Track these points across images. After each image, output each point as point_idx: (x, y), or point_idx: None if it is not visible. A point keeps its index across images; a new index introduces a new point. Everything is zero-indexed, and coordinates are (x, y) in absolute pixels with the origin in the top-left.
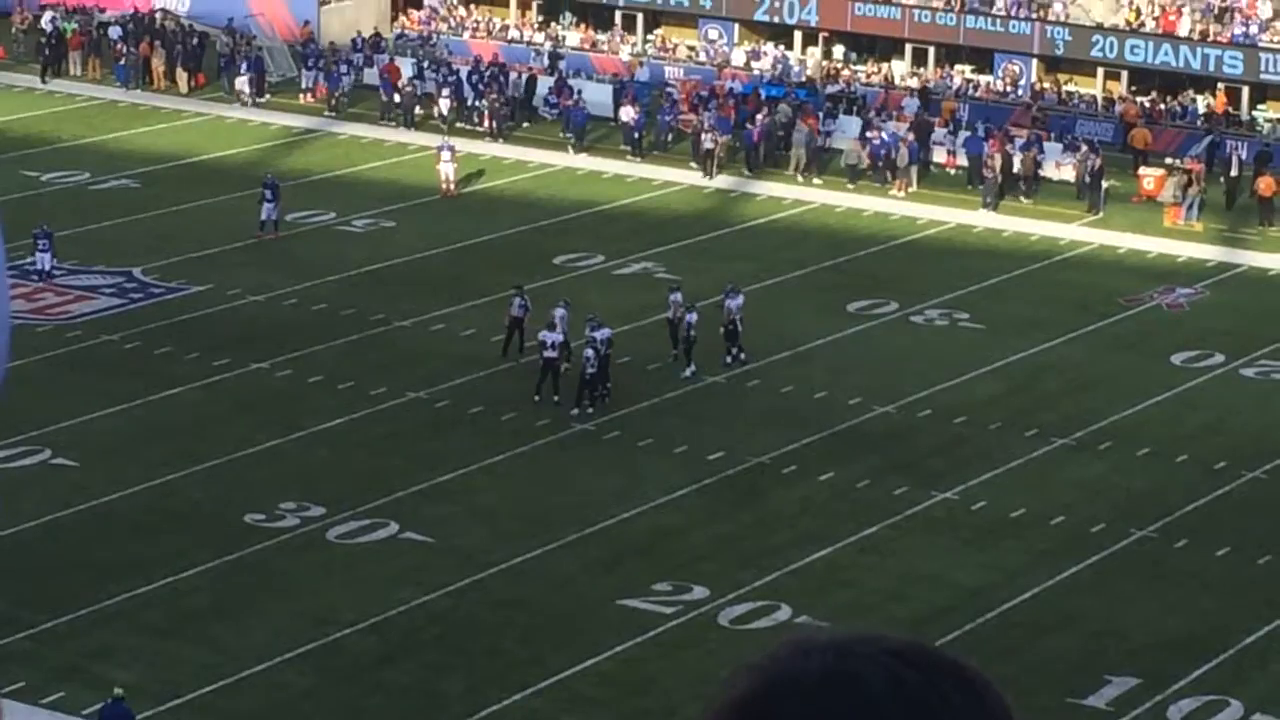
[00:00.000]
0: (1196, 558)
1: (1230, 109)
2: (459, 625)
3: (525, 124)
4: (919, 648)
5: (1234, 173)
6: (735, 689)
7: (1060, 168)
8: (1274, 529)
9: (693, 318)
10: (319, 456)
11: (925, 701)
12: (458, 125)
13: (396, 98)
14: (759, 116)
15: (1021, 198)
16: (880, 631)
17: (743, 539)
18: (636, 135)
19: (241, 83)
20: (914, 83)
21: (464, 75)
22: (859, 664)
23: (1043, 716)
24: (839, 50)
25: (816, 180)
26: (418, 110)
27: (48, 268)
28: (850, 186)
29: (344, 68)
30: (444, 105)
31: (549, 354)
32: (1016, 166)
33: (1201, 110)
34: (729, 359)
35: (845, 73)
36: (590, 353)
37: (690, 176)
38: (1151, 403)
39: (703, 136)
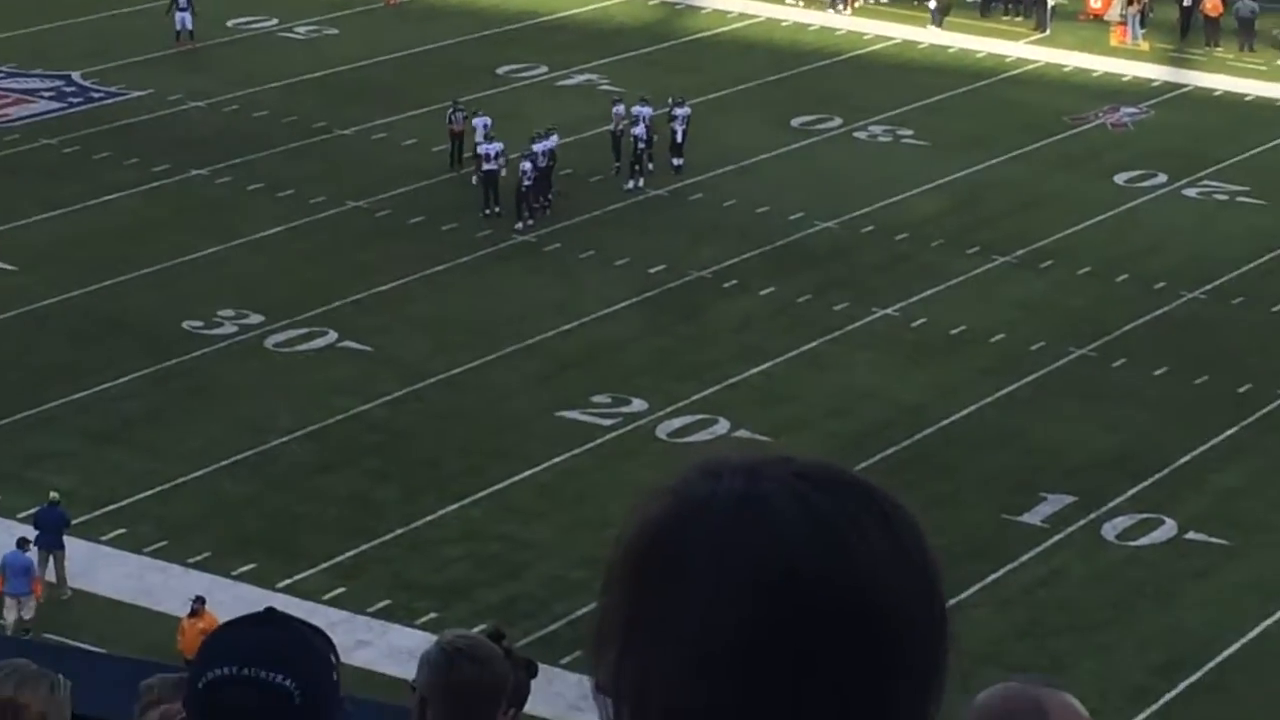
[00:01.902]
0: (1134, 377)
1: None
2: (397, 435)
3: None
4: (829, 469)
5: (1187, 2)
6: (645, 512)
7: None
8: (1212, 349)
9: (640, 130)
10: (258, 264)
11: (833, 523)
12: None
13: None
14: None
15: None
16: (790, 453)
17: (682, 352)
18: None
19: None
20: None
21: None
22: (768, 486)
23: (979, 533)
24: None
25: None
26: None
27: None
28: (798, 2)
29: None
30: None
31: (489, 166)
32: None
33: None
34: (660, 168)
35: None
36: (527, 165)
37: None
38: (1093, 222)
39: None
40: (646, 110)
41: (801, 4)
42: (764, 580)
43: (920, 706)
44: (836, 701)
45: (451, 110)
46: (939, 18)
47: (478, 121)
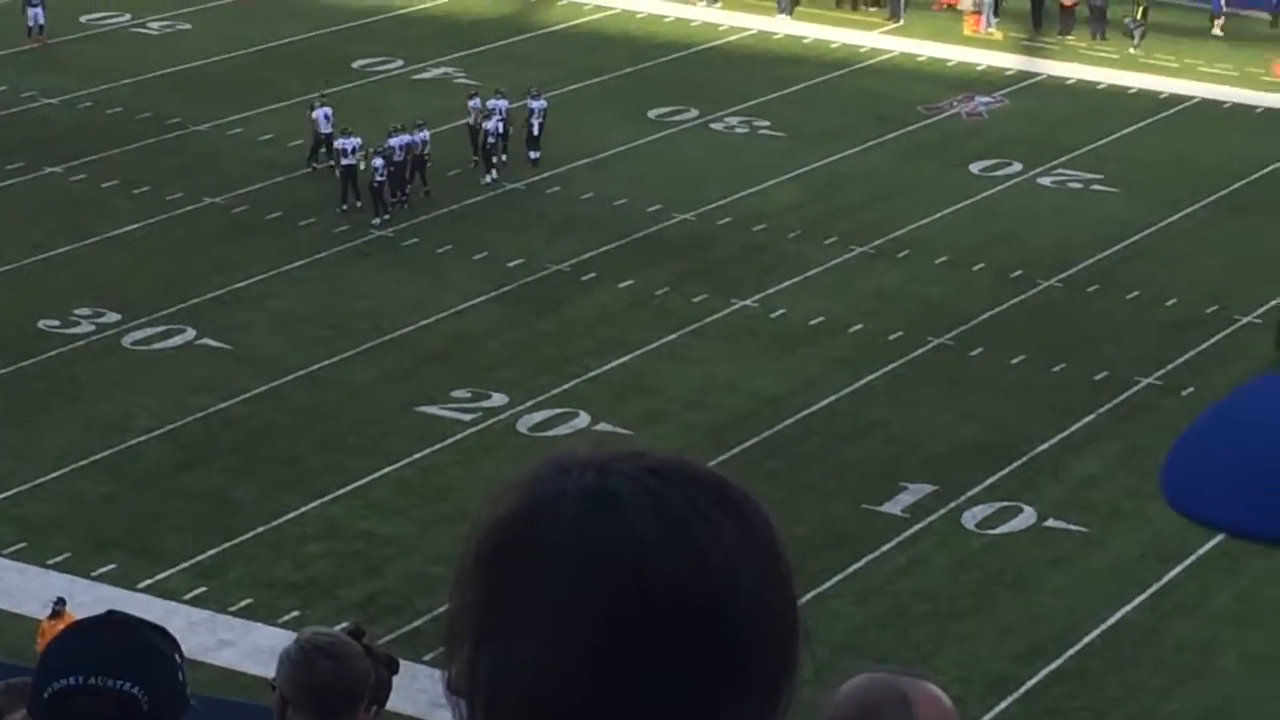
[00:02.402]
0: (992, 366)
1: None
2: (256, 432)
3: None
4: (680, 463)
5: None
6: (497, 508)
7: None
8: (1068, 337)
9: (493, 124)
10: (114, 262)
11: (684, 517)
12: None
13: None
14: None
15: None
16: (640, 449)
17: (542, 346)
18: None
19: None
20: None
21: None
22: (619, 482)
23: (839, 524)
24: None
25: None
26: None
27: None
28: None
29: None
30: None
31: (347, 161)
32: None
33: None
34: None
35: None
36: (379, 161)
37: None
38: (950, 211)
39: None
40: (503, 103)
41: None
42: (614, 574)
43: (773, 696)
44: (688, 692)
45: (317, 103)
46: (788, 5)
47: (318, 113)
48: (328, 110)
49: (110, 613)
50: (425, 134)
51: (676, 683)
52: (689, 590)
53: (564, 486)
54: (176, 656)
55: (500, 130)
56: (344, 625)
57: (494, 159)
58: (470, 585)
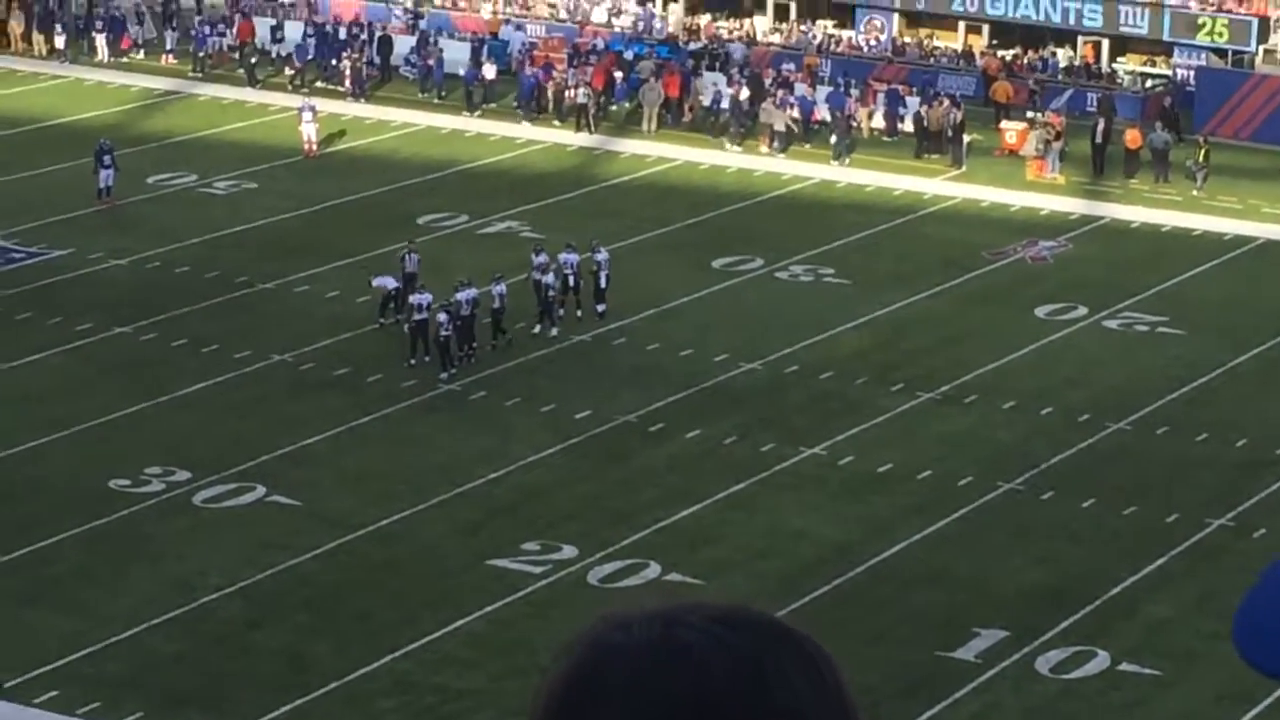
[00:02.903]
0: (1062, 509)
1: (1090, 62)
2: (327, 589)
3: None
4: (743, 610)
5: (1099, 139)
6: (560, 666)
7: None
8: (1138, 480)
9: (550, 279)
10: (184, 421)
11: (757, 666)
12: (318, 85)
13: (253, 59)
14: (617, 74)
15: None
16: (700, 600)
17: (610, 497)
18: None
19: (100, 41)
20: (776, 38)
21: (307, 33)
22: (687, 633)
23: (912, 670)
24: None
25: (736, 147)
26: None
27: None
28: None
29: (207, 28)
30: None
31: (419, 316)
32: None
33: (1063, 64)
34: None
35: (707, 28)
36: (444, 316)
37: (553, 134)
38: (1016, 356)
39: (575, 92)
40: (573, 257)
41: (739, 149)
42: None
43: None
44: None
45: (406, 251)
46: (845, 154)
47: (411, 259)
48: (418, 257)
49: None
50: (502, 287)
51: None
52: None
53: (626, 639)
54: None
55: (574, 284)
56: None
57: (548, 313)
58: None
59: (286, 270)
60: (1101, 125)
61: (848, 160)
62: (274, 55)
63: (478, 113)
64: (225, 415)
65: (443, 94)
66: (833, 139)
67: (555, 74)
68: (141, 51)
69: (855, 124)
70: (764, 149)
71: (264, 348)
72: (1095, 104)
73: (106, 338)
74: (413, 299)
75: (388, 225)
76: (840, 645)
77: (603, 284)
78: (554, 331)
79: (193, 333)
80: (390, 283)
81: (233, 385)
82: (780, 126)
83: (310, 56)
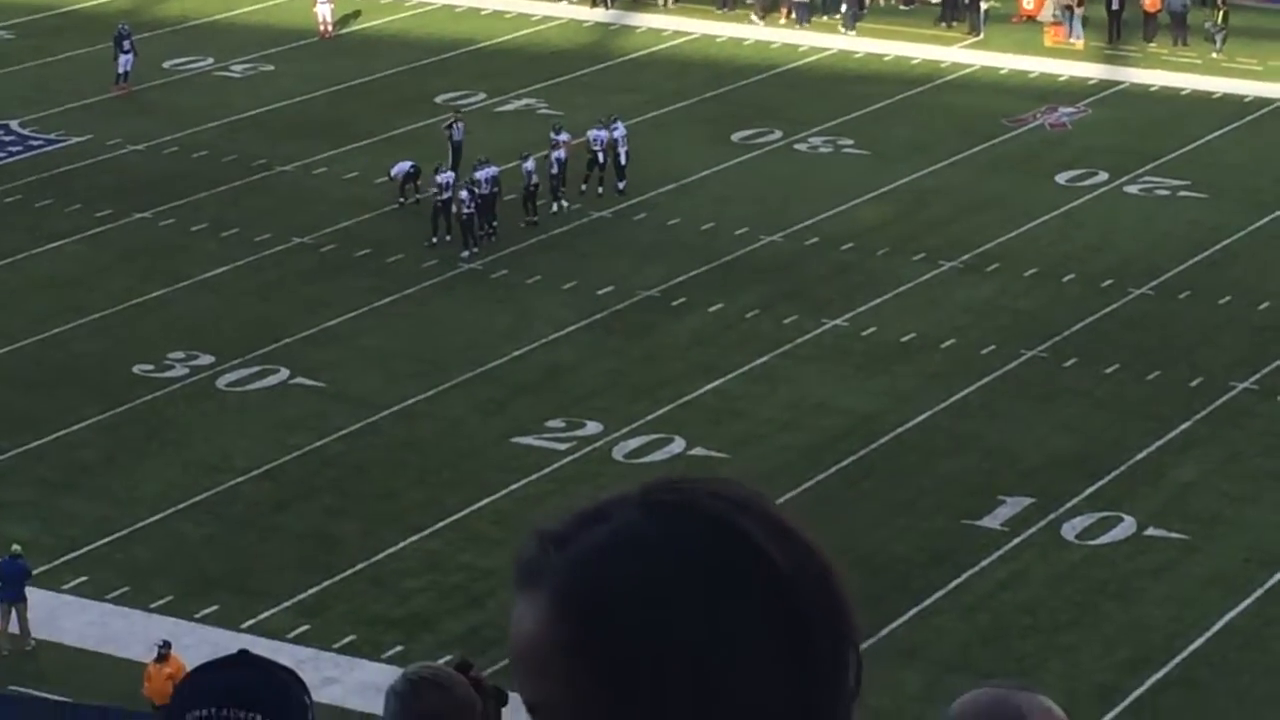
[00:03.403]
0: (1086, 376)
1: None
2: (353, 469)
3: None
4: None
5: (1114, 4)
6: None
7: None
8: (1162, 345)
9: (560, 154)
10: (206, 305)
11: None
12: None
13: None
14: None
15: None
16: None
17: (634, 373)
18: None
19: None
20: None
21: None
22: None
23: (939, 540)
24: None
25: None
26: None
27: None
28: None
29: None
30: None
31: (444, 195)
32: None
33: None
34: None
35: None
36: (465, 194)
37: (569, 10)
38: (1037, 223)
39: None
40: (602, 134)
41: (761, 21)
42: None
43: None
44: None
45: (453, 120)
46: (852, 22)
47: (457, 127)
48: (464, 125)
49: (241, 651)
50: (531, 163)
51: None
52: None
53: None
54: (306, 698)
55: (601, 161)
56: (450, 659)
57: (562, 189)
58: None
59: (305, 152)
60: None
61: (854, 29)
62: None
63: None
64: (247, 299)
65: None
66: (842, 7)
67: None
68: None
69: None
70: (784, 20)
71: (284, 230)
72: None
73: (126, 224)
74: (437, 177)
75: (405, 105)
76: (867, 515)
77: (622, 160)
78: (556, 208)
79: (212, 217)
80: (406, 166)
81: (253, 268)
82: None
83: None
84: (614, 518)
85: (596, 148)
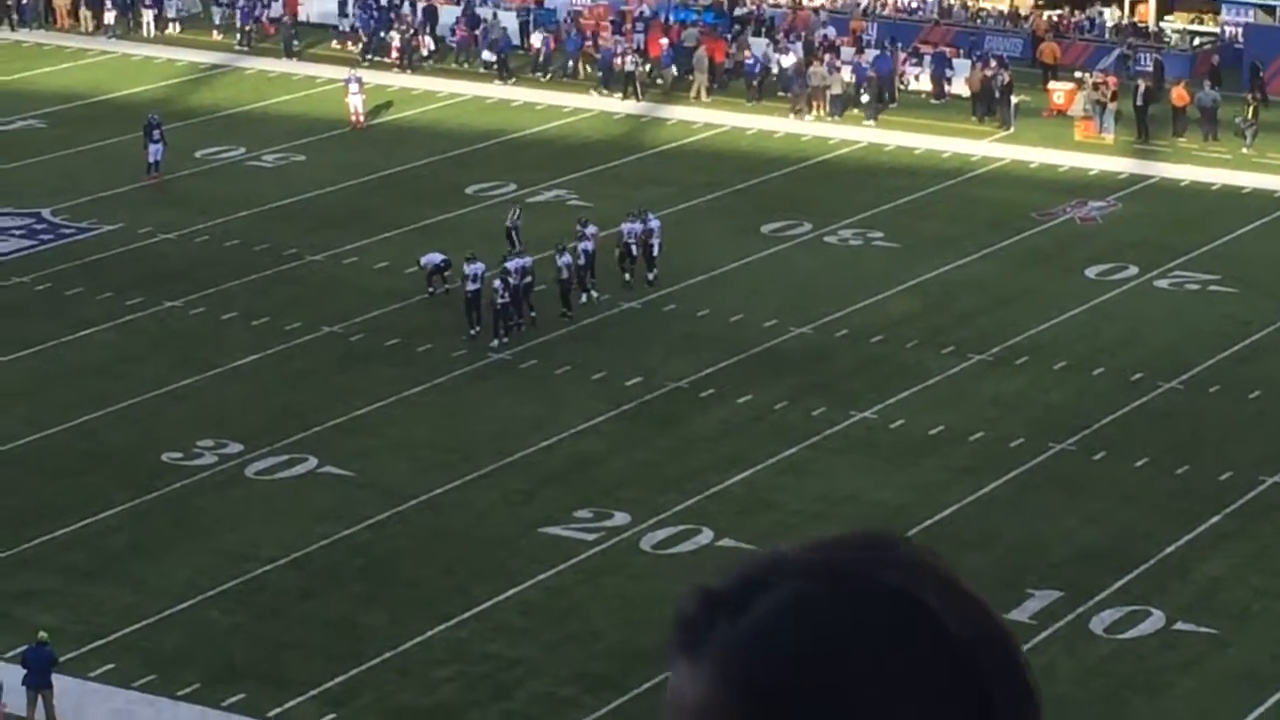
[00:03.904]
0: (1115, 469)
1: (1136, 21)
2: (381, 558)
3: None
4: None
5: (1139, 101)
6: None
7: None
8: (1191, 439)
9: (588, 245)
10: (235, 393)
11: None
12: (366, 58)
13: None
14: (664, 40)
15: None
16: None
17: (662, 464)
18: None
19: (146, 17)
20: (821, 0)
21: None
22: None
23: None
24: None
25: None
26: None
27: None
28: (835, 119)
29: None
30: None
31: (472, 286)
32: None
33: (1110, 23)
34: (644, 279)
35: None
36: (499, 283)
37: (600, 102)
38: (1067, 316)
39: (624, 60)
40: (636, 226)
41: (810, 117)
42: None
43: None
44: None
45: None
46: (873, 114)
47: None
48: (520, 211)
49: None
50: (567, 257)
51: None
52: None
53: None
54: None
55: (634, 254)
56: None
57: (593, 279)
58: None
59: (335, 242)
60: (1142, 86)
61: (875, 120)
62: (331, 28)
63: (511, 80)
64: (276, 387)
65: (498, 64)
66: (864, 98)
67: (600, 40)
68: (178, 26)
69: (903, 86)
70: (815, 114)
71: (314, 319)
72: (1126, 63)
73: (156, 312)
74: (466, 269)
75: (435, 195)
76: None
77: (654, 251)
78: (585, 299)
79: (242, 305)
80: (437, 258)
81: (283, 357)
82: (838, 90)
83: (358, 26)
84: (784, 585)
85: (630, 240)
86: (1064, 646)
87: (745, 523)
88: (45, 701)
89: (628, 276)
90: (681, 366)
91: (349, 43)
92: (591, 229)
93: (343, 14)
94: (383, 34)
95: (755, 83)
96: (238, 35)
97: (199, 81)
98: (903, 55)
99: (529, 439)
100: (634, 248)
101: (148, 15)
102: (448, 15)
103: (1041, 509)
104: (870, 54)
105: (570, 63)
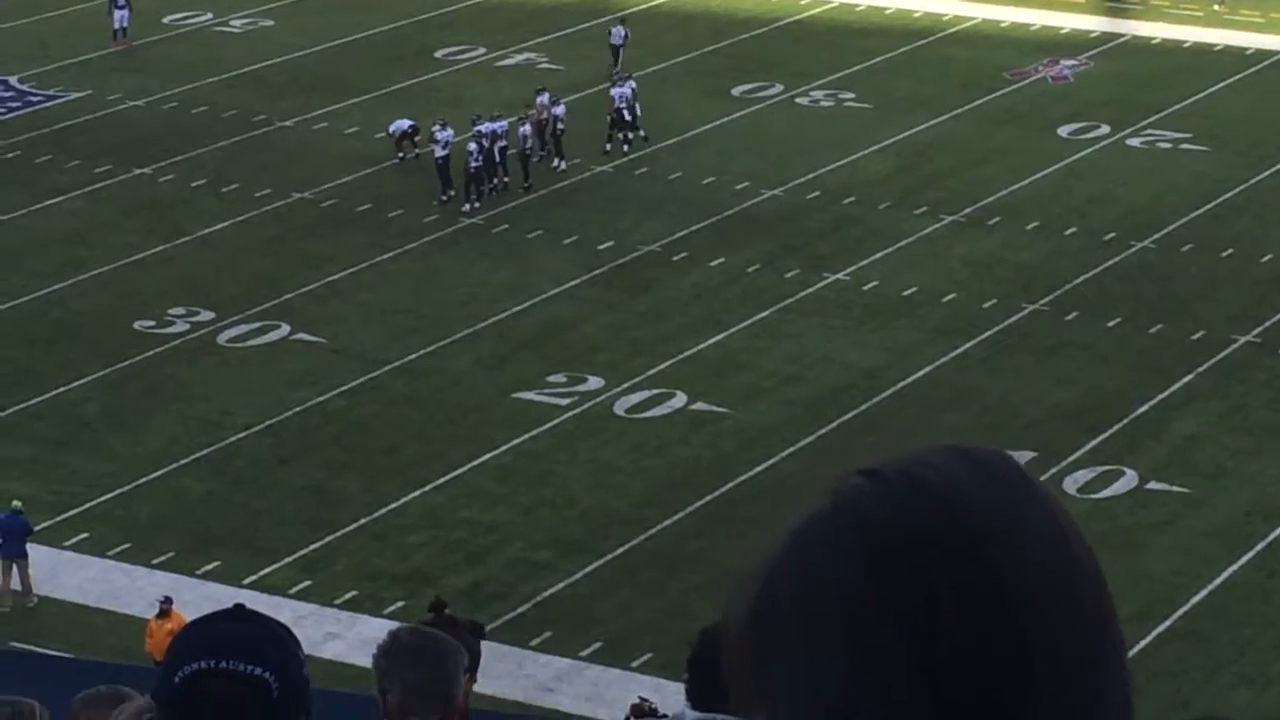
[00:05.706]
0: (1088, 329)
1: None
2: (355, 425)
3: None
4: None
5: None
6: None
7: None
8: (1164, 298)
9: (560, 110)
10: (206, 261)
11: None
12: None
13: None
14: None
15: None
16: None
17: (635, 328)
18: None
19: None
20: None
21: None
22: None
23: None
24: None
25: None
26: None
27: None
28: None
29: None
30: None
31: (441, 153)
32: None
33: None
34: (625, 145)
35: None
36: (473, 146)
37: None
38: (1039, 176)
39: None
40: (626, 90)
41: None
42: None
43: None
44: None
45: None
46: None
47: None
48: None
49: (237, 606)
50: (528, 127)
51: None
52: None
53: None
54: (299, 652)
55: (629, 119)
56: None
57: (557, 147)
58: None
59: (305, 107)
60: None
61: None
62: None
63: None
64: (247, 254)
65: None
66: None
67: None
68: None
69: None
70: None
71: (284, 186)
72: None
73: (126, 179)
74: (437, 134)
75: (404, 60)
76: None
77: (627, 116)
78: (562, 165)
79: (212, 173)
80: (405, 124)
81: (254, 224)
82: None
83: None
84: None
85: (621, 106)
86: None
87: (719, 386)
88: (20, 570)
89: (626, 148)
90: (654, 230)
91: None
92: (544, 98)
93: None
94: None
95: None
96: None
97: None
98: None
99: (501, 304)
100: (625, 112)
101: None
102: None
103: (1014, 370)
104: None
105: None
